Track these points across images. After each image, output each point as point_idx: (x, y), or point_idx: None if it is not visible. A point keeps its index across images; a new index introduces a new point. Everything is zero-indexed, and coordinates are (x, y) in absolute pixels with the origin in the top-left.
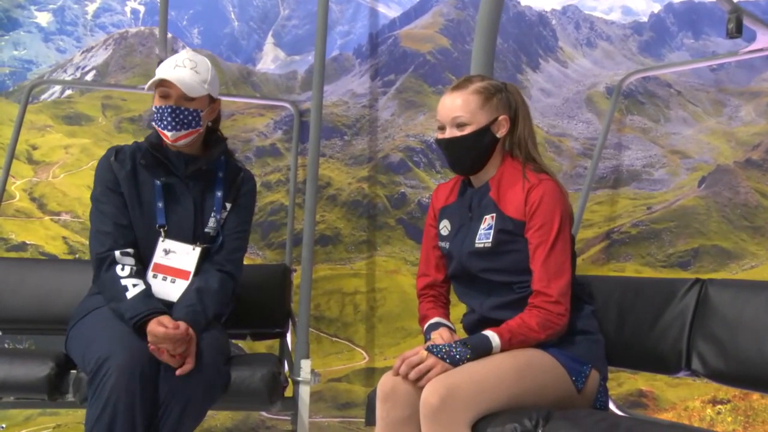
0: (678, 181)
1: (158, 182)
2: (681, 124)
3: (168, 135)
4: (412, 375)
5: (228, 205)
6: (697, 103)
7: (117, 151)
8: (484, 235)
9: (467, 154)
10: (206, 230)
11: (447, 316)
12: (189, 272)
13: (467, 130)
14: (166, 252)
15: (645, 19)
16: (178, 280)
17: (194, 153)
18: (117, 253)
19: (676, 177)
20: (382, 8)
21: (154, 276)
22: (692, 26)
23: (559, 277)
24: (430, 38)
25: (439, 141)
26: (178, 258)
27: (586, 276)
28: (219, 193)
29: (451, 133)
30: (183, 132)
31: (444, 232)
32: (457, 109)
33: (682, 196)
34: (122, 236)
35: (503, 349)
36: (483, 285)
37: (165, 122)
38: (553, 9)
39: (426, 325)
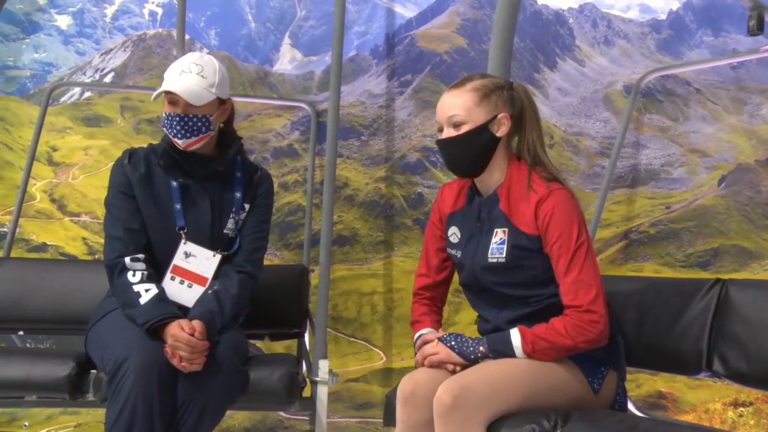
0: (697, 180)
1: (175, 183)
2: (700, 122)
3: (179, 143)
4: (426, 362)
5: (246, 206)
6: (716, 101)
7: (131, 154)
8: (497, 249)
9: (464, 154)
10: (225, 231)
11: (439, 323)
12: (207, 279)
13: (463, 129)
14: (187, 255)
15: (663, 16)
16: (195, 286)
17: (209, 153)
18: (127, 259)
19: (695, 176)
20: (398, 8)
21: (172, 278)
22: (712, 23)
23: (586, 287)
24: (447, 38)
25: (437, 142)
26: (197, 262)
27: (616, 280)
28: (238, 194)
29: (447, 132)
30: (193, 138)
31: (454, 239)
32: (453, 107)
33: (701, 195)
34: (132, 242)
35: (526, 353)
36: (497, 297)
37: (174, 130)
38: (570, 7)
39: (417, 334)
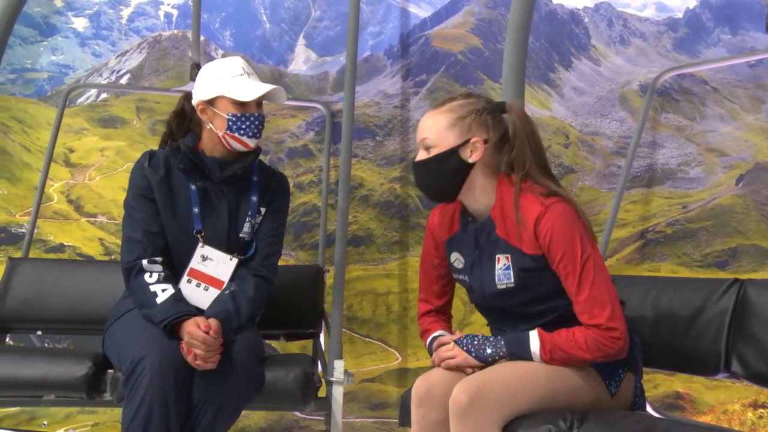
0: (715, 180)
1: (193, 187)
2: (717, 121)
3: (251, 144)
4: (443, 365)
5: (263, 210)
6: (734, 100)
7: (151, 156)
8: (504, 275)
9: (432, 178)
10: (241, 235)
11: (449, 330)
12: (223, 282)
13: (432, 153)
14: (204, 258)
15: (680, 15)
16: (212, 289)
17: (228, 157)
18: (144, 261)
19: (712, 175)
20: (413, 8)
21: (189, 281)
22: (729, 21)
23: (601, 304)
24: (462, 38)
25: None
26: (214, 266)
27: (614, 277)
28: (254, 198)
29: (419, 155)
30: (259, 138)
31: (458, 264)
32: (425, 130)
33: (718, 195)
34: (151, 244)
35: (543, 360)
36: (512, 315)
37: (252, 131)
38: (585, 6)
39: (429, 339)
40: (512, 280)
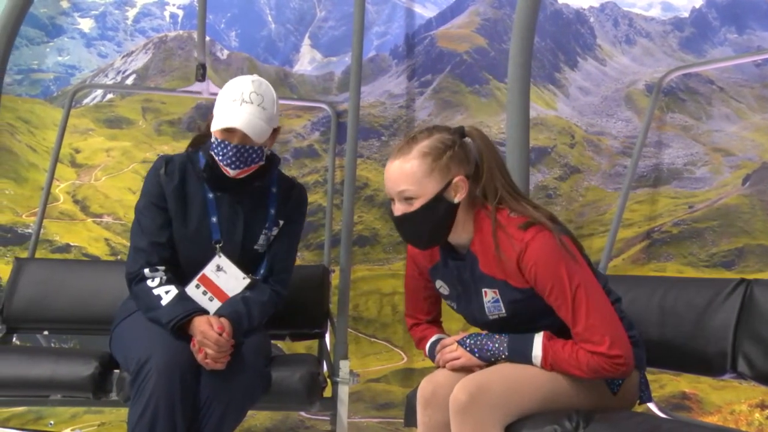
0: (721, 180)
1: (211, 195)
2: (724, 121)
3: (230, 172)
4: (447, 367)
5: (280, 222)
6: (740, 100)
7: (167, 162)
8: (494, 307)
9: (422, 229)
10: (255, 247)
11: (443, 332)
12: (229, 297)
13: (416, 205)
14: (218, 268)
15: (686, 14)
16: (216, 300)
17: (252, 172)
18: (146, 270)
19: (718, 175)
20: (418, 8)
21: (197, 286)
22: (736, 21)
23: (600, 334)
24: (467, 38)
25: (391, 218)
26: (226, 279)
27: (620, 277)
28: (272, 211)
29: (400, 209)
30: (244, 168)
31: (444, 291)
32: (401, 181)
33: (725, 195)
34: (156, 254)
35: (542, 368)
36: (508, 331)
37: (228, 160)
38: (591, 6)
39: (428, 344)
40: (503, 311)
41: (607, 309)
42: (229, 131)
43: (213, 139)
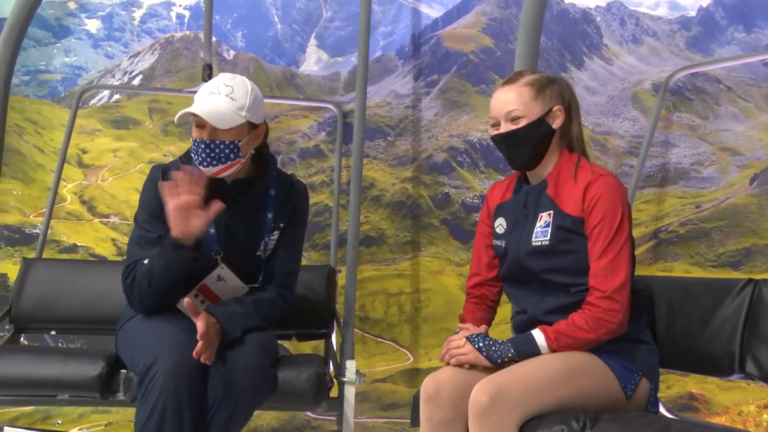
0: (728, 179)
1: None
2: (731, 120)
3: (205, 171)
4: (453, 361)
5: (281, 224)
6: (748, 99)
7: (163, 173)
8: (541, 233)
9: (524, 147)
10: (258, 253)
11: (485, 320)
12: None
13: (522, 123)
14: (219, 278)
15: (693, 13)
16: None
17: (243, 177)
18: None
19: (726, 175)
20: (424, 8)
21: (196, 295)
22: (743, 19)
23: (615, 274)
24: (473, 38)
25: (494, 137)
26: (226, 288)
27: (645, 280)
28: (270, 215)
29: (506, 127)
30: (220, 167)
31: (500, 230)
32: (510, 102)
33: (732, 194)
34: None
35: (551, 350)
36: (538, 286)
37: (200, 157)
38: (597, 6)
39: (458, 328)
40: (548, 238)
41: (629, 266)
42: (198, 127)
43: (191, 140)
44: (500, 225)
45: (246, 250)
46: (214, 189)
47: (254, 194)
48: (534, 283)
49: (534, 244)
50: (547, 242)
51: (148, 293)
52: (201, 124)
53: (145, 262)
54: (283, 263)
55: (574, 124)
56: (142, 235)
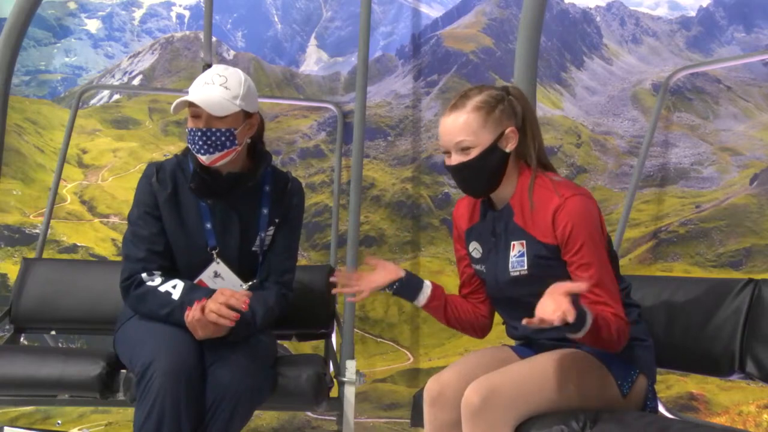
0: (728, 179)
1: (204, 204)
2: (731, 120)
3: (202, 159)
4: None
5: (277, 221)
6: (748, 99)
7: (157, 170)
8: (518, 263)
9: (478, 177)
10: (253, 249)
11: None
12: None
13: (473, 153)
14: (216, 275)
15: (693, 13)
16: None
17: (238, 170)
18: (144, 275)
19: (726, 174)
20: (424, 8)
21: None
22: (744, 19)
23: (615, 294)
24: (473, 38)
25: (447, 167)
26: (224, 285)
27: (628, 276)
28: (265, 210)
29: (457, 158)
30: (217, 154)
31: (476, 254)
32: (458, 132)
33: (732, 194)
34: (153, 262)
35: (584, 338)
36: (524, 307)
37: (197, 146)
38: (597, 5)
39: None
40: (525, 268)
41: (615, 279)
42: (194, 117)
43: (186, 130)
44: (475, 249)
45: (242, 247)
46: (209, 182)
47: (250, 189)
48: (519, 308)
49: (512, 274)
50: (526, 271)
51: (143, 314)
52: (196, 114)
53: (149, 285)
54: (281, 261)
55: (530, 138)
56: (134, 232)
